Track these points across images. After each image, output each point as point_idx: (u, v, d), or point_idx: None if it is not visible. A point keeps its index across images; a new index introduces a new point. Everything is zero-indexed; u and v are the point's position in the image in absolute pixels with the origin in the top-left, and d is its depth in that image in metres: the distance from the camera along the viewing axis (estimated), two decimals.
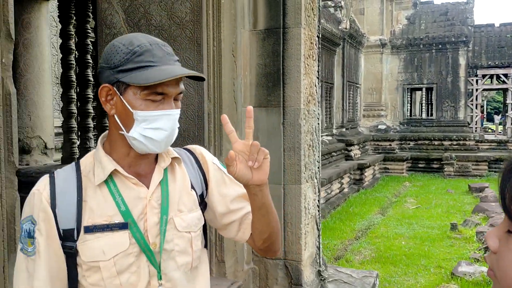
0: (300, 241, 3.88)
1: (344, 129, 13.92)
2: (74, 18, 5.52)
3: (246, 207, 1.29)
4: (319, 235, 4.22)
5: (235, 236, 1.33)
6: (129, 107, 1.11)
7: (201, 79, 1.19)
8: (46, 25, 5.73)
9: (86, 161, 1.21)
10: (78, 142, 5.67)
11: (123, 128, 1.14)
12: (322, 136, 11.27)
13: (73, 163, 1.22)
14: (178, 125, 1.18)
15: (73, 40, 5.49)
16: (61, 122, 5.78)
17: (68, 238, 1.13)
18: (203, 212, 1.30)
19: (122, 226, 1.14)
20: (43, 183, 1.16)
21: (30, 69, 5.47)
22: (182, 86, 1.16)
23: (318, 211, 4.19)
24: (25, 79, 5.54)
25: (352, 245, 7.57)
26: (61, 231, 1.13)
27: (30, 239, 1.13)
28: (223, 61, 3.47)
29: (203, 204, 1.30)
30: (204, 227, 1.32)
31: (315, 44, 3.89)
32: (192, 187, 1.27)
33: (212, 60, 3.41)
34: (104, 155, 1.18)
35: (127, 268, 1.14)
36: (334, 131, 13.23)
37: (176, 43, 3.36)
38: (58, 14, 5.66)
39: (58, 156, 6.10)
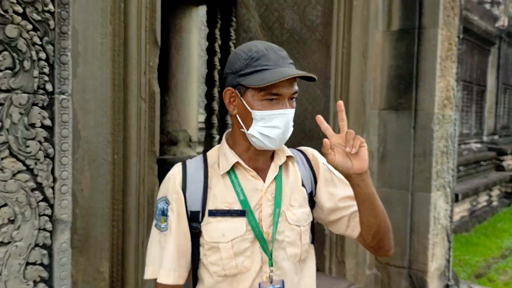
0: (427, 252, 3.70)
1: (496, 137, 12.61)
2: (220, 22, 5.96)
3: (354, 206, 1.33)
4: (449, 248, 3.96)
5: (345, 232, 1.37)
6: (249, 108, 1.22)
7: (313, 79, 1.26)
8: (196, 29, 6.27)
9: (212, 153, 1.35)
10: (217, 137, 6.15)
11: (243, 127, 1.25)
12: (469, 143, 10.37)
13: (201, 155, 1.37)
14: (292, 124, 1.26)
15: (218, 43, 5.95)
16: (204, 118, 6.31)
17: (194, 220, 1.27)
18: (311, 210, 1.37)
19: (240, 213, 1.25)
20: (177, 169, 1.32)
21: (180, 70, 6.05)
22: (296, 87, 1.24)
23: (450, 222, 3.93)
24: (175, 79, 6.12)
25: (497, 264, 6.88)
26: (189, 213, 1.27)
27: (163, 217, 1.29)
28: (352, 63, 3.47)
29: (311, 202, 1.37)
30: (312, 224, 1.38)
31: (454, 45, 3.66)
32: (303, 185, 1.35)
33: (341, 61, 3.43)
34: (228, 149, 1.30)
35: (242, 252, 1.24)
36: (485, 138, 12.06)
37: (306, 45, 3.46)
38: (206, 18, 6.18)
39: (200, 149, 6.68)
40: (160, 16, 2.37)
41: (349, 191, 1.32)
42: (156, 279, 1.30)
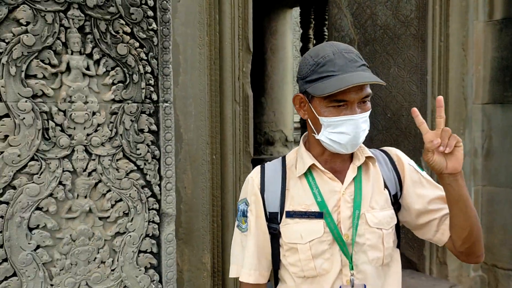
0: None
1: None
2: (314, 22, 6.01)
3: (445, 209, 1.26)
4: None
5: (433, 237, 1.31)
6: (316, 114, 1.20)
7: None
8: (290, 30, 6.39)
9: (290, 156, 1.35)
10: None
11: (314, 131, 1.24)
12: None
13: (280, 158, 1.37)
14: (364, 128, 1.21)
15: (312, 43, 6.01)
16: (299, 118, 6.41)
17: (272, 221, 1.27)
18: (396, 213, 1.31)
19: (318, 215, 1.23)
20: (255, 172, 1.33)
21: (276, 71, 6.20)
22: (367, 91, 1.19)
23: None
24: (271, 80, 6.28)
25: None
26: (268, 214, 1.28)
27: (244, 218, 1.31)
28: (450, 56, 3.33)
29: (396, 204, 1.31)
30: (397, 227, 1.32)
31: None
32: (386, 187, 1.30)
33: (438, 55, 3.31)
34: (305, 151, 1.30)
35: (321, 254, 1.22)
36: None
37: (400, 41, 3.39)
38: (299, 20, 6.27)
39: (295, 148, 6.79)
40: (251, 25, 2.51)
41: (439, 193, 1.28)
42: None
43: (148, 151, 1.64)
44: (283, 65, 6.13)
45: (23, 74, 1.39)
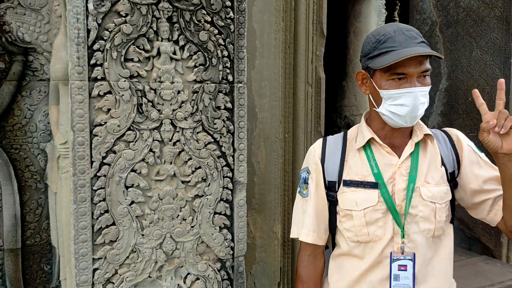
0: None
1: None
2: (399, 4, 5.90)
3: (500, 190, 1.31)
4: None
5: (486, 216, 1.36)
6: (377, 87, 1.28)
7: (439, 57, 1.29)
8: (375, 12, 6.29)
9: (351, 131, 1.45)
10: None
11: (375, 105, 1.31)
12: None
13: (342, 132, 1.47)
14: (424, 101, 1.27)
15: None
16: None
17: (331, 189, 1.38)
18: (452, 190, 1.37)
19: (373, 185, 1.31)
20: (318, 143, 1.45)
21: (358, 54, 6.18)
22: (426, 65, 1.25)
23: None
24: (353, 64, 6.29)
25: None
26: (327, 182, 1.38)
27: (305, 185, 1.43)
28: None
29: (453, 182, 1.37)
30: (453, 204, 1.38)
31: None
32: (443, 164, 1.35)
33: None
34: (365, 126, 1.38)
35: (374, 222, 1.31)
36: None
37: (484, 23, 3.30)
38: (385, 1, 6.16)
39: None
40: (326, 10, 2.64)
41: (495, 173, 1.32)
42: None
43: (223, 126, 1.86)
44: None
45: (122, 58, 1.67)
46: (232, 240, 1.94)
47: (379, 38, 1.27)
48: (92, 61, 1.62)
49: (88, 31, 1.61)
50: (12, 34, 2.31)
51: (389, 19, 6.27)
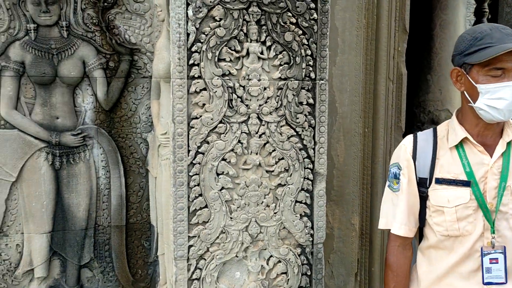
0: None
1: None
2: None
3: None
4: None
5: None
6: (474, 83, 1.31)
7: None
8: (463, 4, 6.05)
9: (441, 128, 1.47)
10: None
11: (471, 101, 1.34)
12: None
13: (432, 129, 1.50)
14: None
15: (487, 18, 5.64)
16: None
17: (422, 185, 1.43)
18: None
19: (465, 184, 1.36)
20: (408, 140, 1.49)
21: (444, 48, 5.98)
22: None
23: None
24: (439, 57, 6.08)
25: None
26: (418, 178, 1.43)
27: (395, 180, 1.48)
28: None
29: None
30: None
31: None
32: None
33: None
34: (457, 124, 1.40)
35: (465, 218, 1.36)
36: None
37: None
38: None
39: None
40: (409, 6, 2.66)
41: None
42: (389, 230, 1.52)
43: (305, 120, 2.00)
44: (453, 41, 5.88)
45: (216, 58, 1.86)
46: (312, 227, 2.07)
47: (475, 35, 1.32)
48: (191, 62, 1.84)
49: (188, 34, 1.82)
50: (120, 36, 2.63)
51: (478, 10, 5.99)
